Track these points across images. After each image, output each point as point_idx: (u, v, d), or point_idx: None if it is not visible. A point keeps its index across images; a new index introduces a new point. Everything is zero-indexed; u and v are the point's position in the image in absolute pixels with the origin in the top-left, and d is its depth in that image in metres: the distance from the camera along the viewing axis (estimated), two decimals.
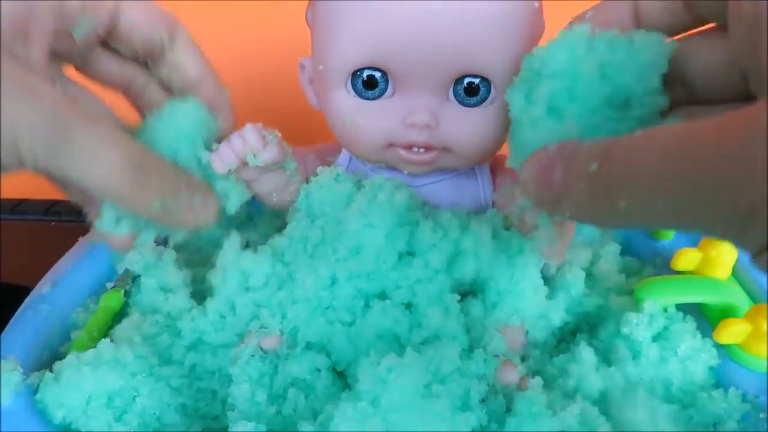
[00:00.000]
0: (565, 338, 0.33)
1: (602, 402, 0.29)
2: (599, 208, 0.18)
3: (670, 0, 0.22)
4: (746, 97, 0.20)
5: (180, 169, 0.27)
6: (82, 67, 0.28)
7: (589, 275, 0.35)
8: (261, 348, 0.29)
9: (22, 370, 0.27)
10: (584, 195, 0.19)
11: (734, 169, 0.14)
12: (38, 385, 0.27)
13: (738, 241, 0.16)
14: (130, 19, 0.27)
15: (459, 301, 0.29)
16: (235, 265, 0.31)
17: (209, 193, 0.28)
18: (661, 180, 0.16)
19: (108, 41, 0.28)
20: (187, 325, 0.31)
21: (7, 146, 0.21)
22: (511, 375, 0.27)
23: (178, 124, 0.28)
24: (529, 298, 0.30)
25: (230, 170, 0.29)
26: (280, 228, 0.33)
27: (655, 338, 0.31)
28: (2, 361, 0.27)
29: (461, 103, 0.28)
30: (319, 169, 0.32)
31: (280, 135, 0.29)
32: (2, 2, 0.22)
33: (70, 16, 0.25)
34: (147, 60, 0.29)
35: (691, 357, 0.30)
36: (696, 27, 0.22)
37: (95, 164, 0.23)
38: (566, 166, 0.20)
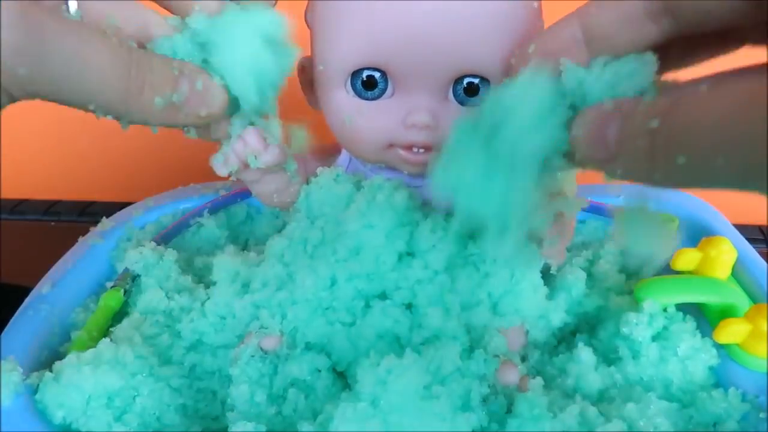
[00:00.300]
0: (565, 338, 0.33)
1: (602, 402, 0.29)
2: (656, 165, 0.17)
3: (628, 9, 0.20)
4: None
5: (170, 57, 0.24)
6: None
7: (589, 275, 0.35)
8: (261, 348, 0.29)
9: (21, 370, 0.27)
10: (641, 152, 0.18)
11: None
12: (38, 385, 0.27)
13: None
14: None
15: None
16: (233, 268, 0.31)
17: (209, 78, 0.25)
18: (728, 134, 0.15)
19: None
20: (186, 326, 0.31)
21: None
22: (512, 375, 0.27)
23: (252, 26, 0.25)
24: (528, 298, 0.30)
25: (231, 172, 0.29)
26: (280, 228, 0.33)
27: (655, 338, 0.31)
28: (2, 361, 0.27)
29: (461, 103, 0.28)
30: (319, 170, 0.32)
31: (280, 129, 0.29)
32: None
33: None
34: None
35: (690, 357, 0.30)
36: (663, 40, 0.20)
37: (83, 72, 0.20)
38: (622, 123, 0.19)
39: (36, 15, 0.20)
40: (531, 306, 0.30)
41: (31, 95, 0.21)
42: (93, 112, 0.22)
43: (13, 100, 0.20)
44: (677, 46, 0.21)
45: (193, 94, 0.24)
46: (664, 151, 0.17)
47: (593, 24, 0.20)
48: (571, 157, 0.21)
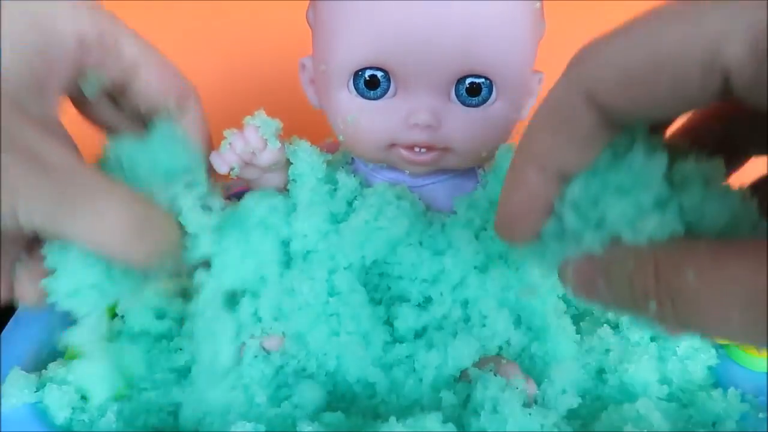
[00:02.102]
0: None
1: (602, 401, 0.29)
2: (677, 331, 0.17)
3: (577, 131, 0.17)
4: None
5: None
6: (75, 105, 0.27)
7: None
8: (263, 348, 0.29)
9: (22, 371, 0.27)
10: (655, 318, 0.16)
11: None
12: (39, 385, 0.27)
13: None
14: (144, 83, 0.26)
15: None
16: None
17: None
18: (742, 325, 0.15)
19: (114, 95, 0.27)
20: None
21: (6, 213, 0.20)
22: (515, 374, 0.27)
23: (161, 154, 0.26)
24: (536, 275, 0.30)
25: (232, 170, 0.29)
26: None
27: (654, 338, 0.31)
28: (2, 361, 0.27)
29: (463, 103, 0.28)
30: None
31: (281, 126, 0.29)
32: (20, 56, 0.21)
33: (85, 67, 0.24)
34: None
35: (690, 357, 0.30)
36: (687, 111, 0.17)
37: (98, 228, 0.22)
38: (608, 285, 0.17)
39: (76, 182, 0.21)
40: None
41: (38, 231, 0.22)
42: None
43: (19, 230, 0.21)
44: None
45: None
46: (678, 328, 0.16)
47: (555, 165, 0.18)
48: None
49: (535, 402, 0.28)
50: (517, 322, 0.30)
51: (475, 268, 0.30)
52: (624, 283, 0.17)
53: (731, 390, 0.29)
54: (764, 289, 0.14)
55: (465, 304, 0.30)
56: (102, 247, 0.22)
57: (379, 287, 0.31)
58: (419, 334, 0.30)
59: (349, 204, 0.31)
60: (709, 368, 0.30)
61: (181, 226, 0.26)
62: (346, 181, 0.31)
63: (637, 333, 0.31)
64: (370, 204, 0.30)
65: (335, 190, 0.31)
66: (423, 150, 0.29)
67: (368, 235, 0.29)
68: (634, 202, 0.17)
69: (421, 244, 0.30)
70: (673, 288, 0.15)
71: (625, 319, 0.31)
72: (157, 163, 0.26)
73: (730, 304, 0.14)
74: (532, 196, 0.18)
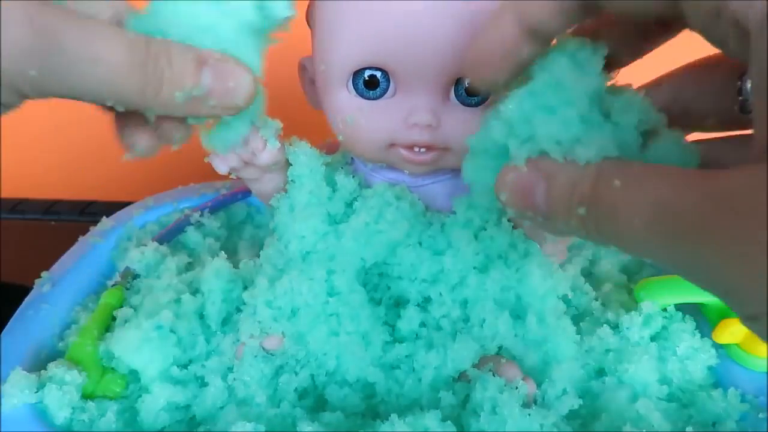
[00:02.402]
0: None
1: (602, 401, 0.29)
2: (592, 240, 0.18)
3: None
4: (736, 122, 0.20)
5: (191, 47, 0.23)
6: None
7: (590, 275, 0.35)
8: (263, 348, 0.29)
9: (22, 371, 0.27)
10: (574, 226, 0.18)
11: (721, 239, 0.14)
12: (39, 385, 0.27)
13: (724, 301, 0.16)
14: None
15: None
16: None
17: (236, 66, 0.23)
18: (647, 236, 0.16)
19: None
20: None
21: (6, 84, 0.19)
22: (513, 374, 0.27)
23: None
24: (536, 275, 0.30)
25: (231, 170, 0.29)
26: None
27: (654, 338, 0.31)
28: (2, 361, 0.27)
29: (462, 103, 0.28)
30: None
31: (281, 126, 0.29)
32: None
33: None
34: None
35: (690, 357, 0.30)
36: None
37: (96, 70, 0.20)
38: (548, 191, 0.19)
39: (44, 15, 0.19)
40: (540, 283, 0.30)
41: (44, 95, 0.20)
42: (112, 107, 0.22)
43: (27, 98, 0.20)
44: (622, 39, 0.21)
45: (218, 84, 0.23)
46: (596, 235, 0.18)
47: (532, 20, 0.20)
48: None
49: (535, 402, 0.28)
50: (517, 322, 0.29)
51: (475, 268, 0.30)
52: (565, 188, 0.18)
53: (731, 390, 0.29)
54: (673, 209, 0.15)
55: (464, 304, 0.30)
56: (108, 93, 0.21)
57: (379, 287, 0.31)
58: (419, 334, 0.30)
59: (348, 205, 0.31)
60: (709, 368, 0.30)
61: (199, 55, 0.22)
62: (345, 182, 0.31)
63: (637, 333, 0.31)
64: (371, 206, 0.30)
65: (334, 191, 0.31)
66: (422, 150, 0.29)
67: (368, 239, 0.29)
68: (561, 119, 0.19)
69: (420, 244, 0.30)
70: (601, 195, 0.17)
71: (625, 319, 0.31)
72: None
73: (638, 215, 0.16)
74: (503, 41, 0.20)
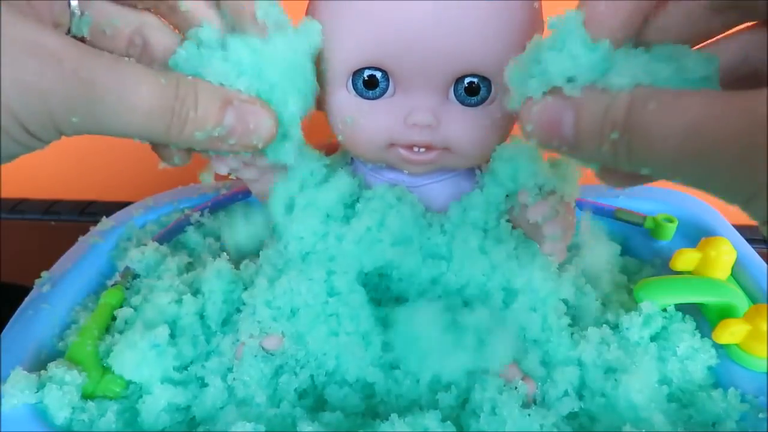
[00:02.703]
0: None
1: (601, 402, 0.29)
2: (621, 165, 0.19)
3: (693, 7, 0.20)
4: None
5: (219, 87, 0.24)
6: None
7: (589, 275, 0.35)
8: (263, 348, 0.29)
9: (22, 371, 0.27)
10: (605, 153, 0.19)
11: (748, 154, 0.15)
12: (39, 385, 0.27)
13: (745, 210, 0.17)
14: None
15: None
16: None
17: (260, 108, 0.25)
18: (681, 155, 0.17)
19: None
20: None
21: (44, 121, 0.20)
22: (513, 374, 0.27)
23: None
24: (537, 277, 0.30)
25: (231, 171, 0.29)
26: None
27: (654, 338, 0.31)
28: (2, 361, 0.27)
29: (462, 102, 0.28)
30: None
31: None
32: None
33: None
34: None
35: (690, 357, 0.30)
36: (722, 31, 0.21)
37: (127, 113, 0.21)
38: (577, 120, 0.19)
39: (86, 66, 0.20)
40: (543, 284, 0.30)
41: (79, 134, 0.22)
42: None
43: (64, 135, 0.22)
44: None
45: (239, 125, 0.24)
46: (627, 160, 0.18)
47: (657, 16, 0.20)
48: None
49: (535, 402, 0.28)
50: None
51: (475, 270, 0.30)
52: (597, 116, 0.18)
53: (731, 390, 0.29)
54: (709, 127, 0.16)
55: (464, 304, 0.30)
56: (137, 132, 0.22)
57: (379, 287, 0.31)
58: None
59: (348, 206, 0.31)
60: (709, 368, 0.30)
61: (223, 95, 0.24)
62: (344, 183, 0.31)
63: (637, 333, 0.31)
64: (372, 208, 0.30)
65: (333, 192, 0.31)
66: (422, 150, 0.29)
67: (369, 246, 0.29)
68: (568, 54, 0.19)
69: (420, 246, 0.30)
70: (635, 118, 0.18)
71: (625, 319, 0.31)
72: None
73: (674, 135, 0.16)
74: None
